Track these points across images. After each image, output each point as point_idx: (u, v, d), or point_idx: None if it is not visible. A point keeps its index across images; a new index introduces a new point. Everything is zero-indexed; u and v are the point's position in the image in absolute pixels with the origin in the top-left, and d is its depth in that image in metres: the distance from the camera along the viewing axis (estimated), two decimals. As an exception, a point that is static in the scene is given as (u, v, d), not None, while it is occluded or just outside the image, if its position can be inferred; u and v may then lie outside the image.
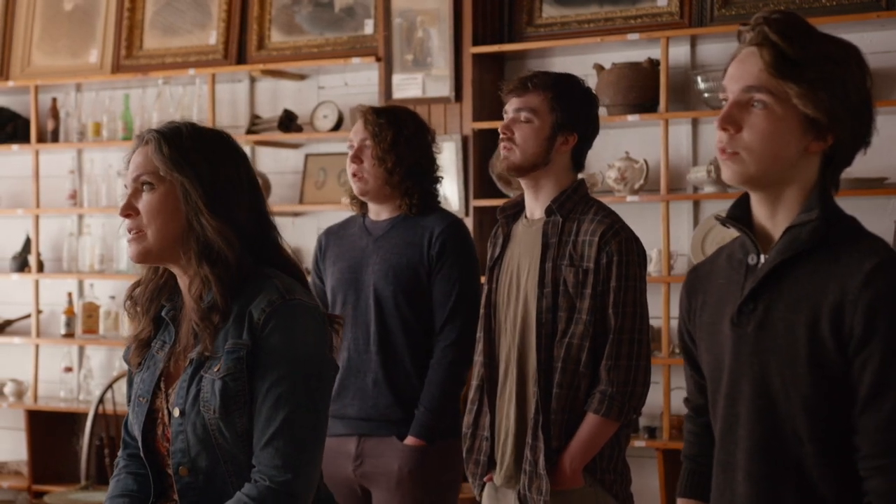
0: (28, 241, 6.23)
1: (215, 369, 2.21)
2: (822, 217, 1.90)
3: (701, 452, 2.15)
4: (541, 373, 3.03)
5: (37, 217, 6.14)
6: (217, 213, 2.23)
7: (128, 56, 6.01)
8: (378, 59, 5.33)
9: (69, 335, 6.05)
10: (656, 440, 4.80)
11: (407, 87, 5.23)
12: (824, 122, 1.90)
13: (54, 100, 6.17)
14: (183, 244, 2.25)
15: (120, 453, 2.47)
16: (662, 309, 4.79)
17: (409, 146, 3.53)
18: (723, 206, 4.50)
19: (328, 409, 2.29)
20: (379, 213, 3.62)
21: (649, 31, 4.89)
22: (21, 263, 6.21)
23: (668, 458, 4.71)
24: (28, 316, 6.25)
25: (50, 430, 6.09)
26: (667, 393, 4.77)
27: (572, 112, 3.11)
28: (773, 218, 1.96)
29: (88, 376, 6.07)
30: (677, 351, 4.68)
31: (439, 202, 3.66)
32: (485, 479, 3.18)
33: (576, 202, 3.11)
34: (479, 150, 5.14)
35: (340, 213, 3.80)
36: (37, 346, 6.21)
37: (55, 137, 6.14)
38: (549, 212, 3.10)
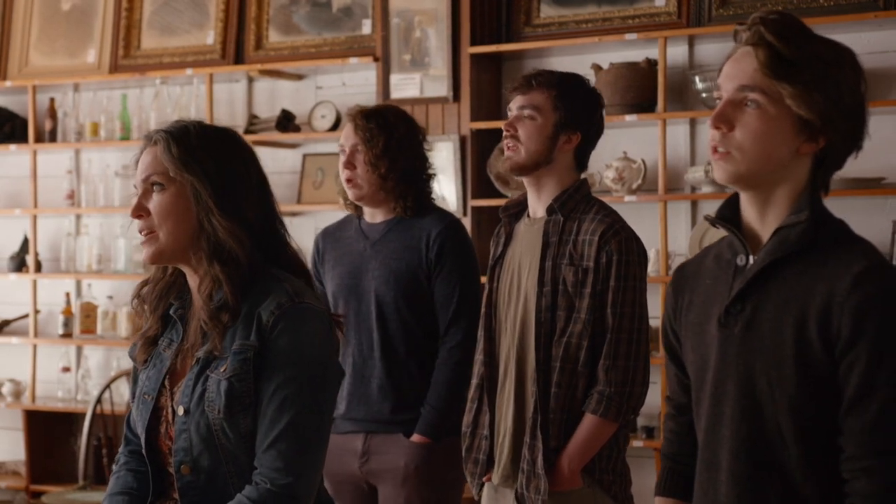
0: (26, 241, 6.23)
1: (221, 369, 2.21)
2: (811, 219, 1.91)
3: (681, 451, 2.16)
4: (539, 372, 3.03)
5: (34, 217, 6.14)
6: (227, 212, 2.23)
7: (125, 56, 6.01)
8: (376, 59, 5.33)
9: (67, 335, 6.05)
10: (654, 440, 4.80)
11: (405, 87, 5.23)
12: (817, 123, 1.90)
13: (52, 100, 6.17)
14: (194, 244, 2.25)
15: (121, 449, 2.46)
16: (660, 309, 4.79)
17: (401, 149, 3.52)
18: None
19: (332, 413, 2.29)
20: (374, 215, 3.62)
21: (647, 31, 4.89)
22: (19, 263, 6.21)
23: (665, 458, 4.71)
24: (26, 316, 6.25)
25: (48, 430, 6.09)
26: (665, 392, 4.77)
27: (575, 111, 3.11)
28: (762, 219, 1.97)
29: (86, 376, 6.07)
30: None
31: (434, 201, 3.65)
32: (483, 478, 3.18)
33: (577, 201, 3.11)
34: (477, 150, 5.14)
35: (338, 213, 3.79)
36: (34, 346, 6.20)
37: (53, 137, 6.13)
38: (550, 211, 3.09)
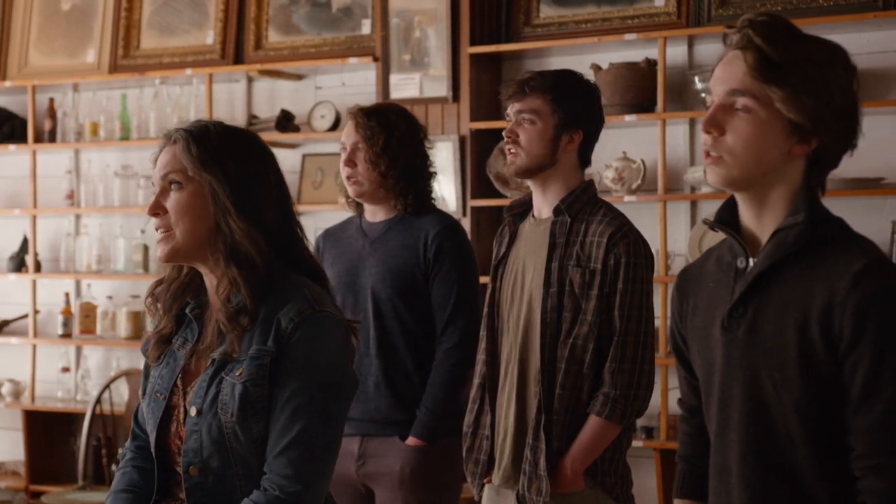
0: (25, 241, 6.23)
1: (237, 373, 2.21)
2: (807, 220, 1.91)
3: (695, 453, 2.16)
4: (544, 373, 3.02)
5: (34, 217, 6.14)
6: (245, 214, 2.23)
7: (125, 56, 6.01)
8: (375, 59, 5.33)
9: (66, 335, 6.05)
10: (653, 440, 4.80)
11: (404, 87, 5.23)
12: (808, 126, 1.90)
13: (51, 100, 6.17)
14: (210, 244, 2.25)
15: (128, 444, 2.45)
16: (660, 309, 4.79)
17: (401, 147, 3.52)
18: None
19: (344, 422, 2.28)
20: (375, 213, 3.62)
21: (646, 32, 4.89)
22: (18, 263, 6.21)
23: (665, 458, 4.72)
24: (25, 316, 6.25)
25: (47, 431, 6.09)
26: (664, 393, 4.77)
27: (574, 110, 3.10)
28: (759, 220, 1.97)
29: (86, 376, 6.07)
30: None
31: (434, 200, 3.65)
32: (484, 480, 3.17)
33: (584, 203, 3.10)
34: (477, 150, 5.14)
35: (338, 213, 3.80)
36: (34, 347, 6.21)
37: (52, 137, 6.13)
38: (557, 212, 3.08)
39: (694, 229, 4.85)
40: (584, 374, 3.01)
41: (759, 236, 1.97)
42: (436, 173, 3.66)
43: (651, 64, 4.89)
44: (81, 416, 5.81)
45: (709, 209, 4.88)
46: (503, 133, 3.13)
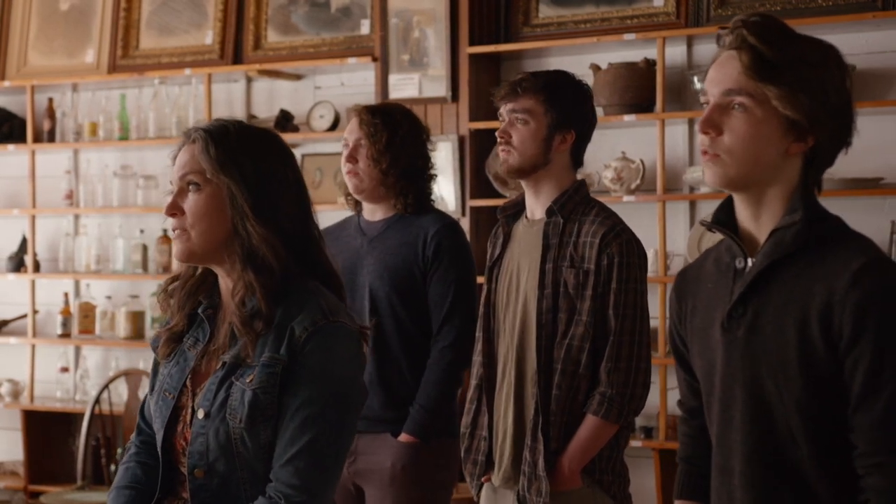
0: (24, 241, 6.23)
1: (248, 379, 2.19)
2: (805, 219, 1.91)
3: (696, 454, 2.16)
4: (540, 374, 3.02)
5: (33, 217, 6.14)
6: (263, 217, 2.20)
7: (124, 56, 6.01)
8: (374, 60, 5.33)
9: (65, 335, 6.05)
10: (653, 440, 4.80)
11: (403, 87, 5.23)
12: (804, 123, 1.91)
13: (50, 100, 6.17)
14: (227, 247, 2.23)
15: (132, 438, 2.44)
16: (658, 309, 4.79)
17: (404, 147, 3.53)
18: (719, 206, 4.50)
19: (353, 434, 2.26)
20: (374, 212, 3.62)
21: (645, 32, 4.90)
22: (17, 263, 6.20)
23: (664, 458, 4.72)
24: (24, 316, 6.25)
25: (46, 431, 6.08)
26: (663, 393, 4.78)
27: (567, 110, 3.10)
28: (756, 220, 1.97)
29: (85, 376, 6.07)
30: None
31: (433, 201, 3.66)
32: (482, 479, 3.18)
33: (577, 203, 3.10)
34: (476, 150, 5.14)
35: (337, 213, 3.80)
36: (33, 347, 6.20)
37: (51, 137, 6.13)
38: (549, 212, 3.09)
39: (693, 229, 4.85)
40: (580, 374, 3.02)
41: (756, 236, 1.98)
42: (436, 175, 3.67)
43: (650, 64, 4.89)
44: (80, 416, 5.81)
45: (708, 209, 4.88)
46: (496, 133, 3.14)
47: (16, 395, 6.09)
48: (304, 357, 2.18)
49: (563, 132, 3.10)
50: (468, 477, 3.21)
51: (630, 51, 5.02)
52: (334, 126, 5.44)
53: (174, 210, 2.24)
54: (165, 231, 5.82)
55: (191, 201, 2.23)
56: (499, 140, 3.12)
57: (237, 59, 5.78)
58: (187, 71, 5.75)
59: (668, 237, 4.89)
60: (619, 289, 3.01)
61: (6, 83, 6.18)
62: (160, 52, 5.95)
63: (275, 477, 2.18)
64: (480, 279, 3.56)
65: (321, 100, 5.61)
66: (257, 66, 5.63)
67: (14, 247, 6.30)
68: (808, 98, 1.89)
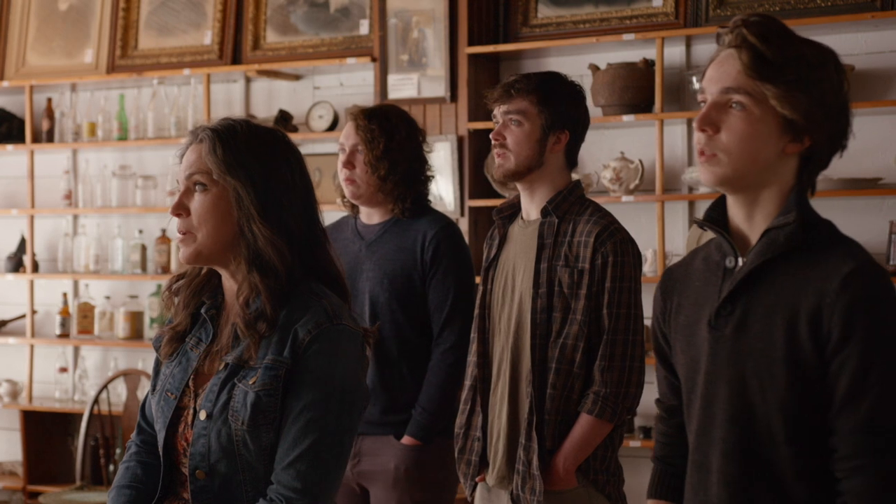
0: (23, 242, 6.23)
1: (251, 381, 2.19)
2: (798, 220, 1.91)
3: (672, 454, 2.17)
4: (535, 373, 3.03)
5: (32, 217, 6.14)
6: (269, 220, 2.20)
7: (123, 56, 6.01)
8: (373, 60, 5.33)
9: (64, 335, 6.04)
10: (651, 440, 4.79)
11: (402, 87, 5.23)
12: (801, 123, 1.91)
13: (49, 100, 6.17)
14: (233, 248, 2.22)
15: (133, 437, 2.44)
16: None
17: (401, 152, 3.51)
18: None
19: (355, 435, 2.26)
20: (371, 215, 3.62)
21: (644, 32, 4.90)
22: (16, 264, 6.20)
23: (663, 458, 4.71)
24: (23, 316, 6.25)
25: (45, 431, 6.08)
26: (658, 392, 4.77)
27: (560, 111, 3.11)
28: (749, 220, 1.98)
29: (83, 377, 6.07)
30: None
31: (430, 202, 3.65)
32: (476, 479, 3.18)
33: (571, 203, 3.11)
34: (475, 150, 5.14)
35: (336, 213, 3.79)
36: (32, 347, 6.20)
37: (50, 137, 6.13)
38: (544, 213, 3.10)
39: (691, 229, 4.85)
40: (574, 373, 3.02)
41: (748, 236, 1.98)
42: (433, 176, 3.66)
43: (649, 64, 4.89)
44: (79, 416, 5.81)
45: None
46: (490, 136, 3.14)
47: (14, 395, 6.09)
48: (308, 360, 2.17)
49: (557, 133, 3.11)
50: (462, 477, 3.21)
51: (629, 51, 5.02)
52: (333, 126, 5.44)
53: (180, 210, 2.23)
54: (164, 231, 5.82)
55: (197, 202, 2.22)
56: (493, 142, 3.12)
57: (236, 59, 5.78)
58: (186, 71, 5.75)
59: (667, 237, 4.89)
60: (614, 288, 3.01)
61: (5, 83, 6.17)
62: (159, 53, 5.95)
63: (276, 479, 2.18)
64: (478, 280, 3.56)
65: (320, 100, 5.61)
66: (256, 66, 5.63)
67: (13, 247, 6.30)
68: (806, 98, 1.90)
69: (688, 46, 4.96)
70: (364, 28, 5.50)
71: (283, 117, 5.55)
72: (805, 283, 1.88)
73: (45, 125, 6.15)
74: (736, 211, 1.99)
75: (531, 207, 3.15)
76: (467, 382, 3.22)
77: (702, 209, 4.92)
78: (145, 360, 5.85)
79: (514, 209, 3.22)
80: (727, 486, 1.94)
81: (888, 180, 4.54)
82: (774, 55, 1.90)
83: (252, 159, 2.21)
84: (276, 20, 5.72)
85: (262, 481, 2.20)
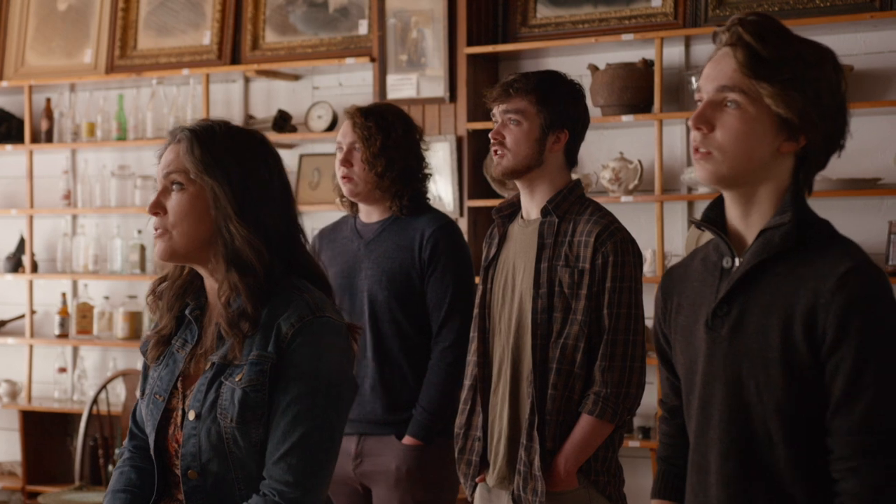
0: (22, 242, 6.23)
1: (237, 378, 2.20)
2: (794, 220, 1.91)
3: (675, 454, 2.17)
4: (536, 374, 3.02)
5: (31, 217, 6.14)
6: (246, 220, 2.21)
7: (122, 56, 6.01)
8: (372, 60, 5.33)
9: (63, 335, 6.04)
10: (651, 440, 4.80)
11: (401, 87, 5.23)
12: (796, 122, 1.91)
13: (48, 100, 6.17)
14: (210, 247, 2.23)
15: (125, 443, 2.45)
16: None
17: (398, 149, 3.52)
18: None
19: (343, 428, 2.27)
20: (370, 214, 3.62)
21: (643, 32, 4.90)
22: (15, 264, 6.20)
23: (662, 459, 4.71)
24: (22, 316, 6.25)
25: (44, 431, 6.08)
26: (661, 393, 4.77)
27: (559, 110, 3.11)
28: (746, 219, 1.98)
29: (82, 377, 6.07)
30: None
31: (429, 200, 3.65)
32: (477, 479, 3.18)
33: (572, 203, 3.11)
34: (474, 150, 5.14)
35: (335, 213, 3.80)
36: (31, 347, 6.20)
37: (49, 138, 6.13)
38: (544, 212, 3.09)
39: (690, 230, 4.85)
40: (575, 373, 3.02)
41: (745, 236, 1.98)
42: (431, 175, 3.66)
43: (648, 64, 4.89)
44: (78, 416, 5.81)
45: (706, 209, 4.87)
46: (489, 135, 3.14)
47: (13, 395, 6.09)
48: (292, 353, 2.19)
49: (556, 132, 3.11)
50: (462, 477, 3.21)
51: (628, 51, 5.02)
52: (332, 126, 5.44)
53: (157, 209, 2.26)
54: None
55: (174, 201, 2.24)
56: (492, 142, 3.12)
57: (235, 59, 5.78)
58: (185, 71, 5.75)
59: (666, 237, 4.89)
60: (614, 287, 3.01)
61: (4, 83, 6.17)
62: (158, 53, 5.95)
63: (268, 474, 2.19)
64: (477, 279, 3.56)
65: (319, 100, 5.61)
66: (255, 66, 5.63)
67: (12, 247, 6.30)
68: (801, 96, 1.90)
69: (687, 47, 4.97)
70: (363, 28, 5.50)
71: (282, 117, 5.55)
72: (801, 282, 1.88)
73: (44, 125, 6.15)
74: (732, 210, 1.99)
75: (531, 207, 3.15)
76: (467, 382, 3.22)
77: (701, 209, 4.89)
78: (144, 360, 5.85)
79: (513, 208, 3.22)
80: (726, 486, 1.94)
81: (887, 180, 4.55)
82: (770, 54, 1.91)
83: (230, 159, 2.23)
84: (274, 20, 5.72)
85: (255, 478, 2.21)
